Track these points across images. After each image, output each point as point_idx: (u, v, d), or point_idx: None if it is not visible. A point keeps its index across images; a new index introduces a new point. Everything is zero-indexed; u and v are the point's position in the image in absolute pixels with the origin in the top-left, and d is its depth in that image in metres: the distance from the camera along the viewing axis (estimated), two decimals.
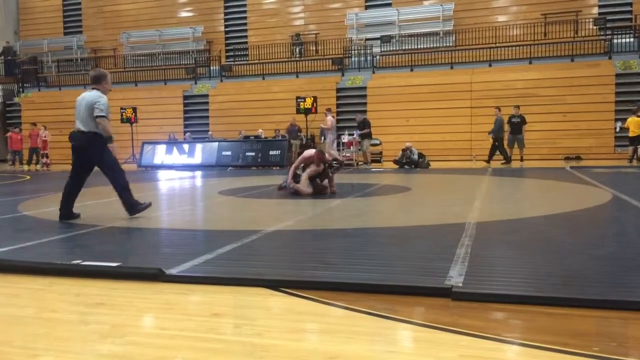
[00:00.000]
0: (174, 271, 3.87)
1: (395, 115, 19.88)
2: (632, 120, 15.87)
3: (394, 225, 5.94)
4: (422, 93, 19.82)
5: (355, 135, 17.95)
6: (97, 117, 6.40)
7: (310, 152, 8.80)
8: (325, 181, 8.81)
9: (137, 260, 4.40)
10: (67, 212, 6.53)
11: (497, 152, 16.72)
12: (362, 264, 4.07)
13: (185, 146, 19.03)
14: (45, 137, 21.00)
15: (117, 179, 6.54)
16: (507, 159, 16.48)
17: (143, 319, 3.15)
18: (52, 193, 10.37)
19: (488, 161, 16.49)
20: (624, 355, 2.40)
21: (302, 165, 8.72)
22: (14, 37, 28.33)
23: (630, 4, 20.45)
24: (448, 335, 2.69)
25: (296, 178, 8.73)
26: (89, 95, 6.56)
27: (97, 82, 6.71)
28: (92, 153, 6.48)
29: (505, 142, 16.83)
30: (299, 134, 19.11)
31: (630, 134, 15.98)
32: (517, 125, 16.58)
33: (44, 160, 20.83)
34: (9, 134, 22.01)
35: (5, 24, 28.12)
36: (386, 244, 4.97)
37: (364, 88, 20.88)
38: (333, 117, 18.11)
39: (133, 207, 6.59)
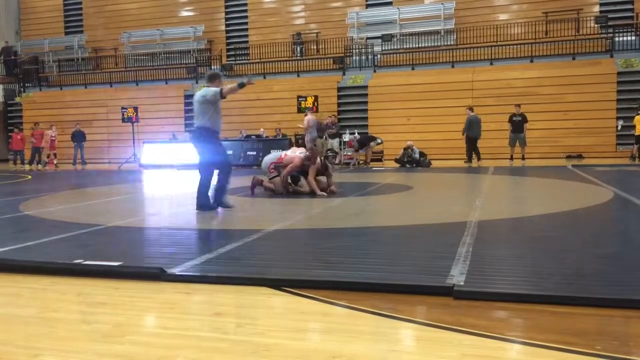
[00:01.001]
0: (175, 270, 3.87)
1: (397, 114, 19.87)
2: (638, 119, 15.95)
3: (395, 224, 5.94)
4: (423, 92, 19.80)
5: (356, 135, 17.93)
6: (220, 97, 6.91)
7: (293, 158, 8.76)
8: (325, 179, 8.83)
9: (138, 259, 4.40)
10: (217, 202, 7.14)
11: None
12: (364, 263, 4.07)
13: (186, 145, 19.01)
14: (53, 136, 21.06)
15: (204, 172, 7.16)
16: (469, 159, 16.63)
17: (145, 318, 3.15)
18: (53, 193, 10.38)
19: (468, 160, 16.72)
20: (627, 354, 2.40)
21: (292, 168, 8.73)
22: (15, 37, 28.34)
23: (632, 2, 20.40)
24: (450, 334, 2.68)
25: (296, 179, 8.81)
26: (199, 92, 7.13)
27: (211, 80, 7.26)
28: (200, 145, 7.08)
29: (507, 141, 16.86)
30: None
31: (637, 132, 16.04)
32: (519, 123, 16.56)
33: (50, 159, 20.84)
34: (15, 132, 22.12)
35: (6, 24, 28.13)
36: (388, 243, 4.97)
37: (365, 87, 20.86)
38: (314, 117, 17.97)
39: (204, 205, 7.05)
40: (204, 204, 7.06)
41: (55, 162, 21.04)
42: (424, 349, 2.56)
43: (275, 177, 8.79)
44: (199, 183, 7.10)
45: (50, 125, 21.77)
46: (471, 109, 16.96)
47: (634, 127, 16.23)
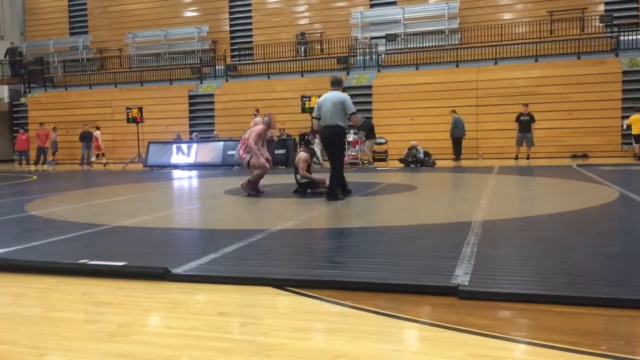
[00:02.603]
0: (180, 270, 3.87)
1: (401, 114, 19.84)
2: (635, 118, 15.92)
3: (399, 224, 5.93)
4: (427, 91, 19.77)
5: (359, 135, 17.92)
6: (352, 114, 7.92)
7: (252, 131, 9.05)
8: (322, 177, 8.91)
9: (143, 259, 4.41)
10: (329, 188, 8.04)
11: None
12: (368, 262, 4.07)
13: (191, 146, 19.06)
14: (54, 138, 21.24)
15: (337, 167, 7.97)
16: (457, 157, 17.45)
17: (149, 318, 3.16)
18: (58, 193, 10.42)
19: (457, 159, 17.32)
20: (632, 354, 2.39)
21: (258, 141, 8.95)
22: (20, 38, 28.45)
23: (637, 1, 20.32)
24: (454, 334, 2.68)
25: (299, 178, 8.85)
26: (335, 95, 7.89)
27: (337, 85, 8.16)
28: (336, 142, 7.95)
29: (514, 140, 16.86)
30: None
31: (634, 132, 16.02)
32: (526, 123, 16.52)
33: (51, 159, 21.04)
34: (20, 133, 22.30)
35: (11, 25, 28.24)
36: (392, 243, 4.96)
37: (370, 87, 20.84)
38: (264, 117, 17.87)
39: (333, 194, 7.83)
40: (336, 194, 7.86)
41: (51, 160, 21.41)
42: (428, 348, 2.55)
43: (250, 160, 8.83)
44: (336, 175, 7.92)
45: (52, 126, 21.95)
46: (454, 111, 17.72)
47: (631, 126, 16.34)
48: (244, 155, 8.93)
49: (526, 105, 16.74)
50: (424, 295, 3.29)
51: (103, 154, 21.63)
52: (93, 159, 21.37)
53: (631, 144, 16.72)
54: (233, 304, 3.33)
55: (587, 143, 18.04)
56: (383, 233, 5.51)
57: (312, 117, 8.34)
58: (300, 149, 9.18)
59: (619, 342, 2.55)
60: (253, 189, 8.89)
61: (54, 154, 22.12)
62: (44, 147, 21.37)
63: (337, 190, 7.95)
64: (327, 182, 8.36)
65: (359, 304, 3.15)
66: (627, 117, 16.95)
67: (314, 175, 8.99)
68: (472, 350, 2.47)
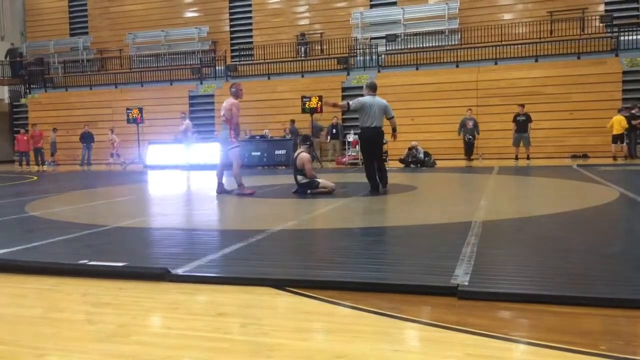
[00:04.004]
0: (179, 271, 3.87)
1: (401, 114, 19.69)
2: (616, 119, 16.24)
3: (399, 224, 5.93)
4: (427, 92, 19.77)
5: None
6: (391, 117, 8.94)
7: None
8: (329, 183, 9.01)
9: (143, 260, 4.41)
10: (380, 182, 8.89)
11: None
12: (368, 262, 4.07)
13: (191, 146, 19.04)
14: (54, 139, 21.28)
15: (380, 163, 9.05)
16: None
17: (149, 318, 3.16)
18: (58, 194, 10.42)
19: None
20: (632, 354, 2.39)
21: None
22: (21, 39, 28.47)
23: (637, 1, 20.33)
24: (454, 334, 2.68)
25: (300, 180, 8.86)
26: (380, 100, 8.78)
27: (375, 89, 8.88)
28: (379, 142, 8.99)
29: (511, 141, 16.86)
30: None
31: (615, 132, 16.33)
32: (523, 123, 16.53)
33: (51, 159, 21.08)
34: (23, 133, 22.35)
35: (11, 26, 28.25)
36: (392, 243, 4.97)
37: None
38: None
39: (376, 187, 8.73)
40: (377, 188, 8.73)
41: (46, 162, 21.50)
42: (427, 349, 2.55)
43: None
44: (382, 170, 8.93)
45: (52, 127, 21.99)
46: (469, 109, 17.84)
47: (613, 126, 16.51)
48: (234, 140, 8.91)
49: (522, 105, 16.76)
50: (424, 296, 3.29)
51: (118, 154, 21.46)
52: (110, 160, 21.17)
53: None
54: (233, 304, 3.33)
55: (587, 143, 18.04)
56: (383, 233, 5.51)
57: (347, 102, 9.04)
58: (301, 150, 9.14)
59: (618, 342, 2.55)
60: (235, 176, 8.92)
61: (52, 154, 22.13)
62: (39, 148, 21.47)
63: (377, 183, 8.83)
64: (329, 187, 8.76)
65: (358, 304, 3.15)
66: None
67: (323, 181, 8.94)
68: (472, 350, 2.47)
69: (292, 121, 19.65)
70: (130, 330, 2.86)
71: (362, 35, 22.62)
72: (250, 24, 25.01)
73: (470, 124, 17.37)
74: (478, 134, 17.44)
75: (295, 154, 9.20)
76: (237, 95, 9.10)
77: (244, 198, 8.60)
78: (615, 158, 16.24)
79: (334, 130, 19.54)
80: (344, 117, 20.38)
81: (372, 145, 8.83)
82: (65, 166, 21.32)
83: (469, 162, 16.66)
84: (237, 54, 24.85)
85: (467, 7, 21.75)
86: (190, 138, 17.45)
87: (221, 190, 9.16)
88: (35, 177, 15.71)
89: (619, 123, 16.31)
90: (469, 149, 17.57)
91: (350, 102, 8.86)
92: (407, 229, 5.61)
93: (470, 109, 17.78)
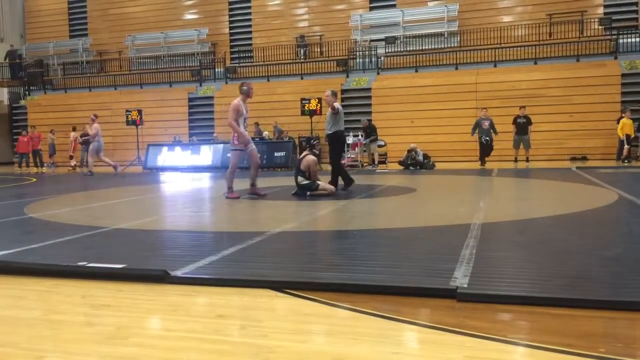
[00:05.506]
0: (179, 273, 3.87)
1: (400, 117, 19.85)
2: (625, 122, 16.30)
3: (398, 227, 5.93)
4: (427, 94, 19.79)
5: (360, 138, 17.96)
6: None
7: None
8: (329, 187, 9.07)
9: (142, 262, 4.41)
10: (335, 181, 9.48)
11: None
12: (367, 265, 4.07)
13: (191, 148, 19.07)
14: (52, 140, 21.24)
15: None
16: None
17: (148, 320, 3.16)
18: (57, 195, 10.42)
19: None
20: (631, 357, 2.39)
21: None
22: (20, 41, 28.47)
23: (636, 4, 20.36)
24: (453, 336, 2.68)
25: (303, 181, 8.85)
26: None
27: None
28: None
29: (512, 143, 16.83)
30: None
31: (625, 132, 16.32)
32: (523, 125, 16.53)
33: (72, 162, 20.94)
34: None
35: (11, 27, 28.27)
36: (391, 245, 4.97)
37: (369, 89, 20.87)
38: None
39: None
40: None
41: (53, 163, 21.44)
42: (427, 351, 2.55)
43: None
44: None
45: (50, 129, 21.99)
46: (484, 109, 17.08)
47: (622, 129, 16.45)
48: (236, 142, 8.78)
49: (523, 107, 16.75)
50: (423, 298, 3.29)
51: (71, 156, 21.23)
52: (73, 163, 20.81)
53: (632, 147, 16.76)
54: (232, 306, 3.33)
55: (586, 145, 18.07)
56: (382, 235, 5.51)
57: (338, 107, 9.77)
58: (306, 152, 9.11)
59: (617, 344, 2.55)
60: (230, 174, 8.85)
61: (51, 156, 22.11)
62: (37, 150, 21.49)
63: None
64: (328, 189, 8.83)
65: (357, 307, 3.15)
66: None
67: (322, 184, 8.94)
68: (471, 352, 2.47)
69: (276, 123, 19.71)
70: (130, 332, 2.86)
71: (361, 38, 22.64)
72: (250, 26, 25.02)
73: (486, 124, 16.32)
74: (496, 134, 16.36)
75: (301, 156, 9.21)
76: (247, 94, 8.92)
77: (244, 200, 8.60)
78: (623, 160, 16.11)
79: None
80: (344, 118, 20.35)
81: (343, 146, 10.73)
82: (64, 168, 21.30)
83: (481, 166, 15.91)
84: (237, 56, 24.87)
85: (466, 10, 21.77)
86: (99, 142, 16.74)
87: (252, 192, 8.93)
88: (34, 179, 15.70)
89: (629, 125, 16.34)
90: (485, 151, 16.41)
91: (340, 108, 9.82)
92: (406, 231, 5.61)
93: (485, 109, 16.91)
